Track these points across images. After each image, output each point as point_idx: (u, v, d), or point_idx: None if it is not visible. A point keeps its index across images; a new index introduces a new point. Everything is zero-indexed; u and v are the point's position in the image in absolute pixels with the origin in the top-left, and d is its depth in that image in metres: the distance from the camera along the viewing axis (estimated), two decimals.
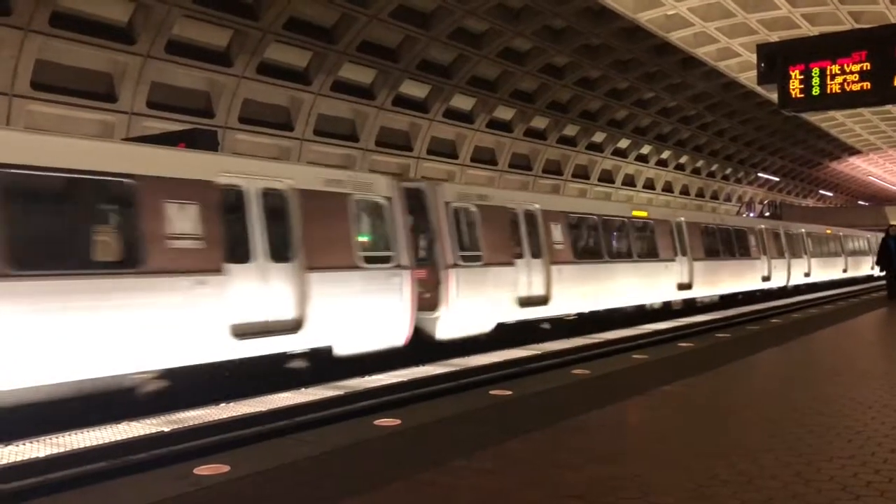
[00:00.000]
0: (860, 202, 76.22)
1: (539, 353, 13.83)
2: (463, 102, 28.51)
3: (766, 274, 27.69)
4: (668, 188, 46.02)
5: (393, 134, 26.71)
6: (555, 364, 12.61)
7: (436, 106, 27.23)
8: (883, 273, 22.80)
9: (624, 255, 19.89)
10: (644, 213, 21.45)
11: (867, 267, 39.25)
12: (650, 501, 4.64)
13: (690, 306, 22.95)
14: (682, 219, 22.71)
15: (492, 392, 8.47)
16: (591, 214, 18.93)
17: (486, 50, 25.99)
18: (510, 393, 8.36)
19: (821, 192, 67.80)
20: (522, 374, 11.43)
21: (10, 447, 7.55)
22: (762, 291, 27.90)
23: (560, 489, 4.90)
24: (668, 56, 30.81)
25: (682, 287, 22.05)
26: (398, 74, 24.70)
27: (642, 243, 20.78)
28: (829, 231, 36.31)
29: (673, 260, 21.65)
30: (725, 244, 24.80)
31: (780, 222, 32.48)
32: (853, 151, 56.33)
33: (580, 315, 17.84)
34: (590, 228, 19.03)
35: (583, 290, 17.51)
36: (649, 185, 43.95)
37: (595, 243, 18.97)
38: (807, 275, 32.10)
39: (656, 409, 7.46)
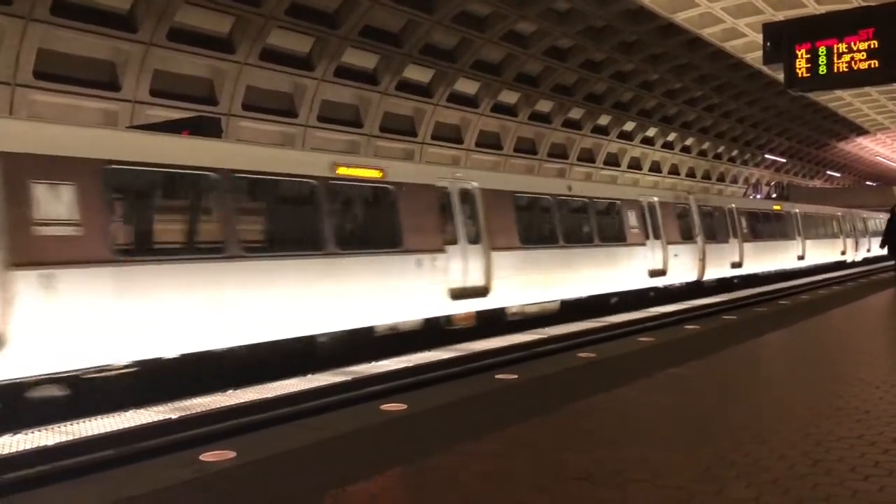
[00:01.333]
0: (868, 182, 75.78)
1: (545, 336, 13.82)
2: (467, 87, 28.37)
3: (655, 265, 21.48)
4: (674, 171, 45.83)
5: (397, 119, 26.62)
6: (561, 348, 12.60)
7: (440, 90, 27.10)
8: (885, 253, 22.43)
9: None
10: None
11: (833, 251, 35.29)
12: (657, 483, 4.63)
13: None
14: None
15: (498, 376, 8.46)
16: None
17: (490, 33, 25.82)
18: (516, 377, 8.36)
19: (828, 172, 67.42)
20: (528, 359, 11.41)
21: (18, 435, 7.58)
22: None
23: (567, 472, 4.89)
24: (673, 37, 30.57)
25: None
26: (401, 59, 24.58)
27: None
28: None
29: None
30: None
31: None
32: (860, 131, 55.95)
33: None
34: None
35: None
36: (655, 168, 43.76)
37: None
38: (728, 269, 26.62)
39: (663, 392, 7.45)
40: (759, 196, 47.06)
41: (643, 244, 19.90)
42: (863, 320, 13.62)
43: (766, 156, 54.51)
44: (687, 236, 22.16)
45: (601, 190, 20.89)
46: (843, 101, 45.07)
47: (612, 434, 5.81)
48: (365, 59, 24.07)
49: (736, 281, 25.59)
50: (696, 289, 22.66)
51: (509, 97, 30.55)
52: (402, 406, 6.91)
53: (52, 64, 17.09)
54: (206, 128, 11.50)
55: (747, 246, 25.81)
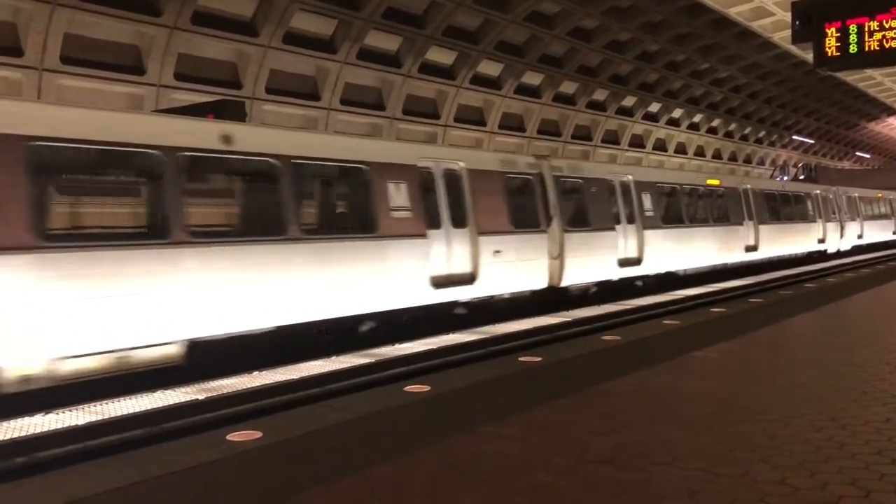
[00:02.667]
0: None
1: (569, 319, 13.78)
2: (490, 68, 28.21)
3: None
4: (700, 152, 45.33)
5: (420, 102, 26.55)
6: (584, 331, 12.56)
7: (463, 72, 26.98)
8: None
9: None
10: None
11: (804, 238, 27.76)
12: (681, 466, 4.62)
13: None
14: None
15: (521, 359, 8.48)
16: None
17: (514, 14, 25.62)
18: (539, 359, 8.37)
19: (857, 153, 66.31)
20: (552, 341, 11.40)
21: (50, 415, 7.72)
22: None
23: (589, 455, 4.90)
24: (699, 17, 30.13)
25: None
26: (424, 41, 24.48)
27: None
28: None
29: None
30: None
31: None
32: (891, 111, 54.90)
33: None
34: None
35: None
36: (681, 150, 43.31)
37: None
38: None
39: (687, 375, 7.42)
40: (786, 178, 46.38)
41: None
42: (889, 304, 13.44)
43: (794, 137, 53.71)
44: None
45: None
46: (874, 80, 44.22)
47: (636, 417, 5.81)
48: (388, 42, 24.01)
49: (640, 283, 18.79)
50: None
51: (533, 79, 30.34)
52: (425, 388, 6.95)
53: (78, 48, 17.24)
54: (230, 111, 11.53)
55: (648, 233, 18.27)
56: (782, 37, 31.12)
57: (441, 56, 25.97)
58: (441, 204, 12.93)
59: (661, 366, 7.81)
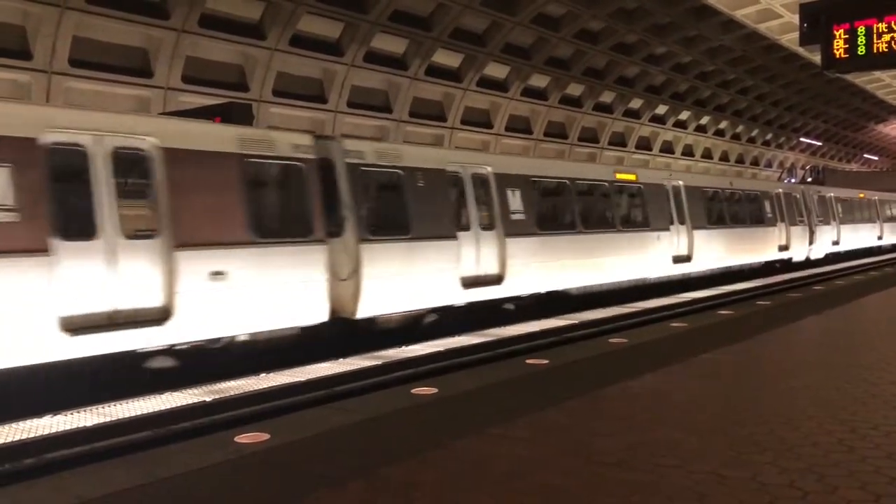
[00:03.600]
0: None
1: (575, 322, 13.77)
2: (497, 71, 28.19)
3: None
4: (707, 154, 45.21)
5: (426, 104, 26.55)
6: (591, 333, 12.56)
7: (469, 75, 26.97)
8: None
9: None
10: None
11: (762, 246, 23.79)
12: (689, 468, 4.61)
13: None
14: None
15: (528, 361, 8.48)
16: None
17: (520, 16, 25.61)
18: (546, 362, 8.36)
19: (865, 155, 66.03)
20: (559, 344, 11.40)
21: (58, 416, 7.75)
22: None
23: (597, 456, 4.89)
24: (707, 20, 30.04)
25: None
26: (431, 44, 24.49)
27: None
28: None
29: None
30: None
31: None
32: None
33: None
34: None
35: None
36: (688, 152, 43.20)
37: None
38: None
39: (695, 377, 7.40)
40: (793, 181, 46.24)
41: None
42: None
43: (802, 139, 53.53)
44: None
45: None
46: (882, 82, 44.04)
47: (644, 419, 5.79)
48: (394, 44, 24.03)
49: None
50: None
51: (540, 81, 30.32)
52: (433, 390, 6.95)
53: (87, 51, 17.31)
54: (237, 114, 11.56)
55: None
56: (790, 39, 31.02)
57: (448, 58, 25.98)
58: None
59: (669, 368, 7.79)
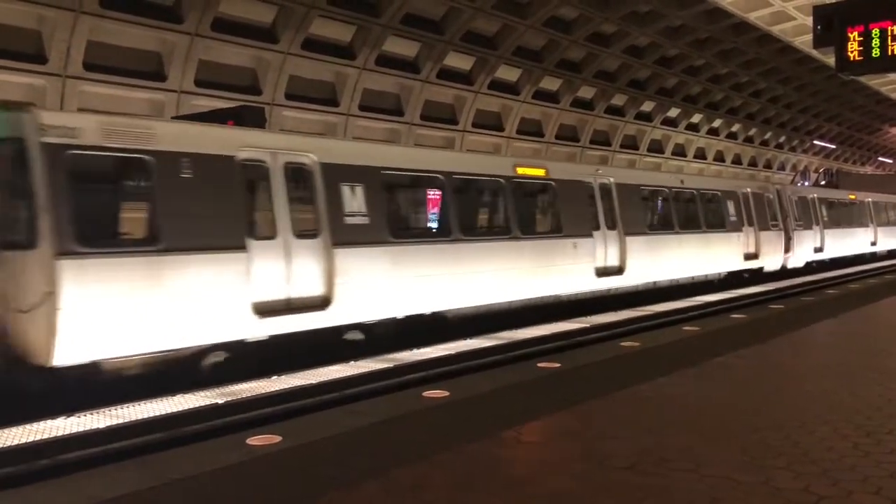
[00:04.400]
0: None
1: (587, 325, 13.73)
2: (508, 73, 28.17)
3: None
4: (719, 157, 45.01)
5: (438, 107, 26.56)
6: (603, 337, 12.51)
7: (481, 78, 26.97)
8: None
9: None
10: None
11: (724, 252, 20.78)
12: (702, 472, 4.59)
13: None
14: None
15: (540, 364, 8.46)
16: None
17: (532, 19, 25.59)
18: (558, 365, 8.34)
19: (880, 158, 65.57)
20: (571, 347, 11.35)
21: (72, 418, 7.79)
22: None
23: (609, 461, 4.87)
24: (719, 22, 29.90)
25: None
26: (443, 47, 24.51)
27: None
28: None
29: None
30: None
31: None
32: None
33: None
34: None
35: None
36: (700, 155, 43.03)
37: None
38: None
39: (707, 381, 7.36)
40: (806, 183, 45.93)
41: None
42: None
43: (815, 142, 53.20)
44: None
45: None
46: None
47: (656, 423, 5.77)
48: (406, 48, 24.06)
49: None
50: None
51: (551, 84, 30.27)
52: (444, 393, 6.95)
53: (101, 55, 17.42)
54: (249, 117, 11.60)
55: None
56: (803, 41, 30.85)
57: (459, 61, 26.00)
58: None
59: (682, 372, 7.75)
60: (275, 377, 9.61)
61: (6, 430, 7.30)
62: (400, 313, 11.88)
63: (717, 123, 42.35)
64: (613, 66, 31.53)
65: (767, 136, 48.23)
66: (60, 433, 7.26)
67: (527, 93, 29.33)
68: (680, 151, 41.17)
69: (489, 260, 13.36)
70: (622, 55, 30.65)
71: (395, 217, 12.58)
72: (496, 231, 14.30)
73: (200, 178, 9.38)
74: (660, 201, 18.92)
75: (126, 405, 8.28)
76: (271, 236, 10.17)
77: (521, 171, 14.66)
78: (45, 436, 7.15)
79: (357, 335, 11.52)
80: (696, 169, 41.52)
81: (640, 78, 33.53)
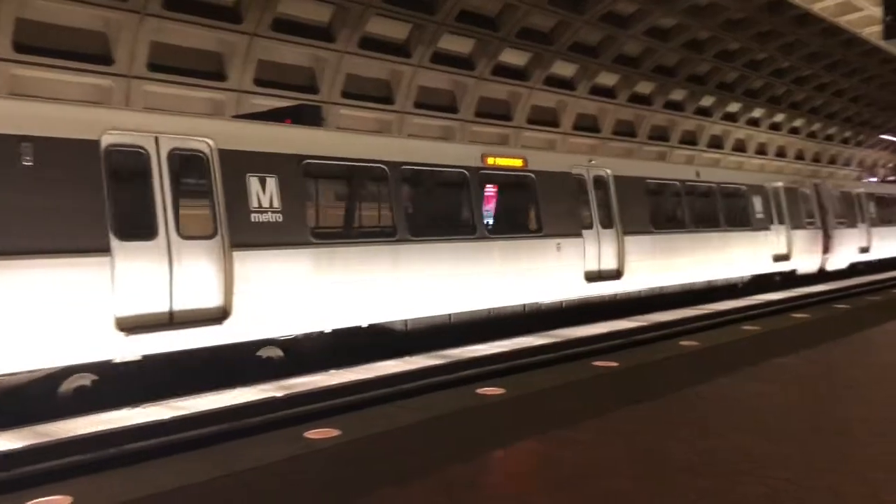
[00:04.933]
0: None
1: (645, 324, 13.57)
2: (564, 69, 27.95)
3: None
4: (781, 153, 43.90)
5: (492, 104, 26.51)
6: (661, 335, 12.34)
7: (536, 73, 26.82)
8: None
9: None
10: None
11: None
12: (762, 475, 4.50)
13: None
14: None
15: (596, 363, 8.39)
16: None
17: (588, 14, 25.35)
18: (615, 364, 8.26)
19: None
20: (627, 346, 11.23)
21: (137, 409, 8.04)
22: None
23: (668, 462, 4.81)
24: (782, 14, 29.17)
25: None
26: (498, 43, 24.45)
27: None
28: None
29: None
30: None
31: None
32: None
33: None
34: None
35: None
36: (761, 151, 42.05)
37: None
38: None
39: (769, 382, 7.20)
40: (873, 180, 44.42)
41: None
42: None
43: (883, 136, 51.47)
44: None
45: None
46: None
47: (716, 425, 5.67)
48: (461, 45, 24.07)
49: None
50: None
51: (608, 79, 29.95)
52: (499, 390, 6.95)
53: (164, 56, 17.87)
54: (307, 116, 11.76)
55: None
56: (871, 32, 29.88)
57: (514, 57, 25.90)
58: None
59: (742, 372, 7.60)
60: (332, 371, 9.75)
61: (75, 420, 7.58)
62: (327, 326, 10.30)
63: (779, 118, 41.32)
64: (672, 60, 31.04)
65: (831, 131, 46.86)
66: (127, 423, 7.49)
67: (583, 88, 29.07)
68: (740, 147, 40.29)
69: (445, 263, 11.76)
70: (681, 50, 30.14)
71: (320, 214, 11.00)
72: (457, 230, 12.46)
73: (48, 167, 7.96)
74: (669, 196, 17.08)
75: (188, 397, 8.51)
76: (147, 237, 8.64)
77: (491, 161, 12.97)
78: (112, 426, 7.39)
79: (274, 352, 10.13)
80: (756, 165, 40.58)
81: (699, 72, 32.95)
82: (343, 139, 11.86)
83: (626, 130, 32.65)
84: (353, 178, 11.46)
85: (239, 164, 9.50)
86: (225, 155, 9.38)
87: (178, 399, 8.45)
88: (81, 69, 16.43)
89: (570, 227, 13.90)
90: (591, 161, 14.93)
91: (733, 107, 37.24)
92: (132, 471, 5.05)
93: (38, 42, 15.60)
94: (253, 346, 9.83)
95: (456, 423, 5.98)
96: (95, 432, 7.17)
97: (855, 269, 23.53)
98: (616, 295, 15.24)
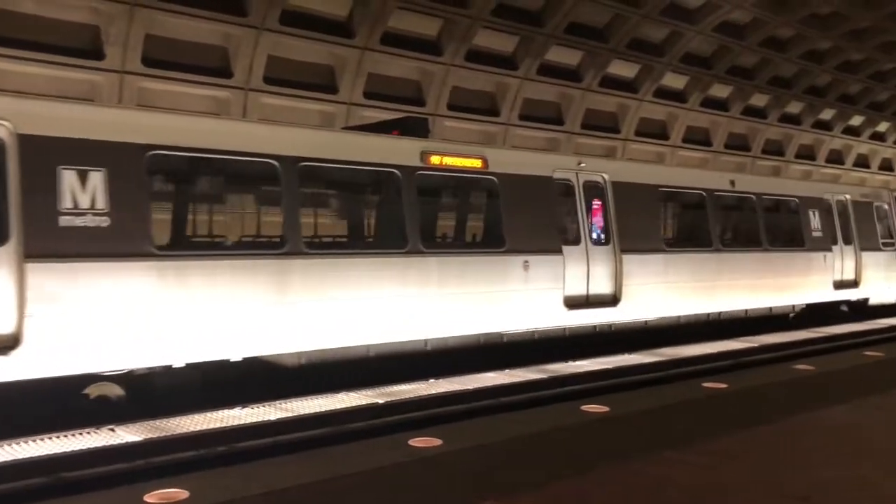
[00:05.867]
0: None
1: (755, 345, 13.03)
2: (675, 81, 27.30)
3: None
4: None
5: (599, 116, 26.15)
6: (773, 358, 11.82)
7: (645, 85, 26.31)
8: None
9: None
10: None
11: None
12: None
13: None
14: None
15: (705, 384, 8.11)
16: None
17: (701, 25, 24.69)
18: (725, 386, 7.96)
19: None
20: (736, 368, 10.82)
21: (246, 409, 8.32)
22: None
23: (782, 490, 4.59)
24: None
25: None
26: (606, 55, 24.14)
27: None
28: None
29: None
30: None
31: None
32: None
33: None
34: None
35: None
36: (887, 167, 39.81)
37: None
38: None
39: (892, 411, 6.77)
40: None
41: None
42: None
43: None
44: None
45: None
46: None
47: (836, 454, 5.37)
48: (568, 56, 23.88)
49: None
50: None
51: (721, 91, 29.05)
52: (604, 408, 6.81)
53: (279, 69, 18.54)
54: (414, 128, 11.90)
55: None
56: None
57: (623, 69, 25.49)
58: None
59: (864, 401, 7.17)
60: (432, 380, 9.81)
61: (189, 417, 7.91)
62: (178, 360, 8.34)
63: None
64: (790, 72, 29.82)
65: None
66: (236, 423, 7.76)
67: (694, 100, 28.31)
68: (862, 162, 38.27)
69: (359, 283, 9.51)
70: (799, 61, 28.92)
71: (179, 219, 9.42)
72: (379, 243, 10.83)
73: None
74: (691, 208, 14.76)
75: (293, 399, 8.74)
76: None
77: (436, 160, 10.68)
78: (223, 424, 7.68)
79: (110, 389, 8.29)
80: (880, 181, 38.41)
81: (819, 84, 31.51)
82: (213, 126, 9.45)
83: (738, 144, 31.58)
84: (222, 175, 9.41)
85: (46, 154, 7.56)
86: (26, 142, 7.48)
87: (285, 401, 8.69)
88: (202, 82, 17.25)
89: (545, 242, 11.56)
90: (580, 164, 12.61)
91: (856, 120, 35.45)
92: (243, 469, 5.22)
93: (164, 56, 16.49)
94: (79, 382, 7.97)
95: (561, 439, 5.90)
96: (208, 429, 7.45)
97: None
98: (612, 325, 12.84)
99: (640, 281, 12.66)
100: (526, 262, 11.18)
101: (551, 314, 11.54)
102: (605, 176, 12.74)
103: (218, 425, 7.64)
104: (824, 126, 34.43)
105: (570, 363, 11.18)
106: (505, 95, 23.23)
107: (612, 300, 12.35)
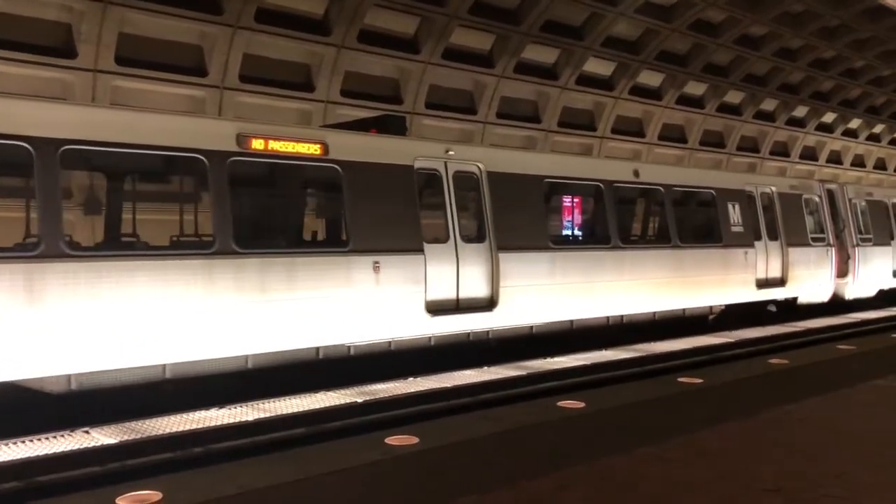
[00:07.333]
0: None
1: (731, 340, 13.15)
2: (650, 78, 27.46)
3: None
4: (880, 165, 42.00)
5: (576, 114, 26.25)
6: (749, 353, 11.95)
7: (622, 83, 26.46)
8: None
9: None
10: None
11: None
12: (857, 502, 4.28)
13: None
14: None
15: (680, 379, 8.18)
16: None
17: (676, 23, 24.88)
18: (700, 381, 8.04)
19: None
20: (712, 363, 10.92)
21: (223, 409, 8.27)
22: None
23: (756, 483, 4.64)
24: (882, 20, 27.90)
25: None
26: (582, 53, 24.24)
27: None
28: None
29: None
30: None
31: None
32: None
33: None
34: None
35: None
36: (859, 163, 40.31)
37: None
38: None
39: (866, 405, 6.87)
40: None
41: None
42: None
43: None
44: None
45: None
46: None
47: (807, 447, 5.44)
48: (545, 54, 23.95)
49: None
50: None
51: (696, 88, 29.29)
52: (580, 404, 6.85)
53: (255, 67, 18.42)
54: (392, 125, 11.91)
55: None
56: None
57: (599, 67, 25.61)
58: None
59: (837, 394, 7.28)
60: (410, 379, 9.80)
61: (165, 418, 7.85)
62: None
63: (878, 129, 39.58)
64: (763, 69, 30.15)
65: None
66: (213, 423, 7.71)
67: (670, 98, 28.54)
68: (835, 159, 38.77)
69: (150, 292, 8.10)
70: (773, 58, 29.24)
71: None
72: (179, 244, 9.40)
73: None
74: (584, 202, 13.99)
75: (271, 399, 8.70)
76: None
77: (258, 144, 9.22)
78: (200, 425, 7.62)
79: None
80: (853, 177, 38.94)
81: (792, 82, 31.89)
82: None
83: (714, 141, 31.88)
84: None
85: None
86: None
87: (263, 401, 8.65)
88: (178, 81, 17.10)
89: (402, 240, 10.25)
90: (448, 151, 11.19)
91: (828, 117, 35.92)
92: (218, 469, 5.19)
93: (137, 55, 16.32)
94: None
95: (537, 435, 5.93)
96: (185, 431, 7.40)
97: (885, 297, 19.36)
98: (489, 333, 11.42)
99: (521, 282, 11.39)
100: (376, 262, 9.86)
101: (410, 322, 10.19)
102: (480, 165, 11.39)
103: (195, 426, 7.58)
104: (798, 123, 34.86)
105: (548, 360, 11.22)
106: (482, 93, 23.25)
107: (489, 304, 11.01)
